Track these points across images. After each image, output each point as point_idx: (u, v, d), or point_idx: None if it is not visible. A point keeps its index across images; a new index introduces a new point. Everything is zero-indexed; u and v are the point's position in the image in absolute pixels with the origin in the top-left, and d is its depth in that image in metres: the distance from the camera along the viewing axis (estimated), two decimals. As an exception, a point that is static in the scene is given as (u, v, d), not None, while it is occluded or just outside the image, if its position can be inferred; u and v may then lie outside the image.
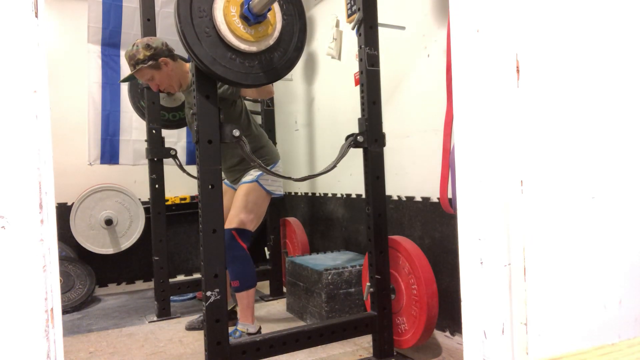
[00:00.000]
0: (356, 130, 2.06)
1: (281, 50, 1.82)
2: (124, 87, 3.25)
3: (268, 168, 2.38)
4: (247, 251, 2.40)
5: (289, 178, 2.07)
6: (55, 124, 1.09)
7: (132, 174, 3.69)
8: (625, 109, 1.20)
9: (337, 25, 3.07)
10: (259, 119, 3.45)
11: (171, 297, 3.02)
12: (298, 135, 3.80)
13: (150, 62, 2.30)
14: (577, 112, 1.14)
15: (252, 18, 1.68)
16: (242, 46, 1.70)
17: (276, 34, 1.78)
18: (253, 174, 2.43)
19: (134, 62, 2.31)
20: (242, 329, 2.42)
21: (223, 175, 2.52)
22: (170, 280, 3.02)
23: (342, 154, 2.02)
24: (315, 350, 2.25)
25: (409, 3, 2.47)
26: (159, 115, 2.88)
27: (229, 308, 2.73)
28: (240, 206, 2.39)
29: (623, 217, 1.19)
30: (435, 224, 2.35)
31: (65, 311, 3.12)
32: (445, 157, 1.82)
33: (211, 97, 1.74)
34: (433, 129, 2.34)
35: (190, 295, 3.37)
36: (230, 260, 2.34)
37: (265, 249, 3.40)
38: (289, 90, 3.87)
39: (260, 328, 2.46)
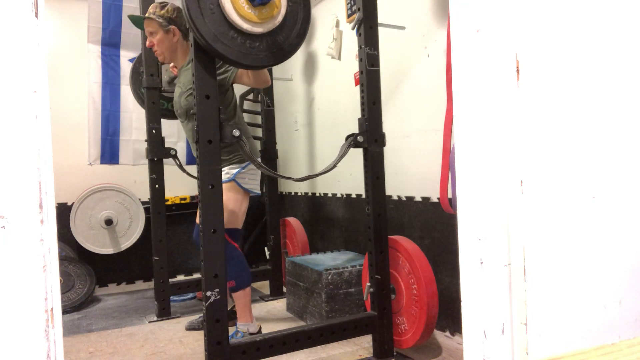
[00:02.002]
0: (356, 130, 2.06)
1: (283, 35, 1.82)
2: (124, 88, 3.25)
3: (242, 165, 2.37)
4: (240, 250, 2.40)
5: (289, 178, 2.07)
6: (55, 124, 1.09)
7: (132, 174, 3.69)
8: (625, 109, 1.20)
9: (337, 25, 3.06)
10: (258, 119, 3.45)
11: (171, 297, 3.02)
12: (298, 135, 3.80)
13: (162, 21, 2.34)
14: (577, 112, 1.14)
15: None
16: (245, 25, 1.70)
17: (279, 18, 1.78)
18: (229, 172, 2.38)
19: (153, 10, 2.37)
20: (242, 329, 2.41)
21: None
22: (170, 280, 3.01)
23: (342, 154, 2.01)
24: (315, 350, 2.25)
25: (409, 3, 2.47)
26: (159, 115, 2.88)
27: (229, 308, 2.73)
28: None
29: (623, 217, 1.19)
30: (435, 224, 2.35)
31: (65, 311, 3.12)
32: (445, 157, 1.82)
33: (211, 97, 1.74)
34: (433, 129, 2.34)
35: (190, 295, 3.36)
36: (225, 261, 2.32)
37: (265, 249, 3.40)
38: (289, 90, 3.87)
39: (260, 327, 2.46)
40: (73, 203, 3.54)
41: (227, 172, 2.38)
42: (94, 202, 3.56)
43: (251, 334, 2.38)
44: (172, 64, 2.60)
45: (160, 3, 2.39)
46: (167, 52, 2.41)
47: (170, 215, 3.74)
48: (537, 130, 1.08)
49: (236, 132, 1.79)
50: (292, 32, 1.83)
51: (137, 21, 2.47)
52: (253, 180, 2.45)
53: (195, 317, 2.77)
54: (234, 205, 2.38)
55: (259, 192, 2.51)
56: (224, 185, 2.36)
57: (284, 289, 3.15)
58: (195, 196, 3.98)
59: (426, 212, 2.40)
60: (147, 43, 2.42)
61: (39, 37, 0.86)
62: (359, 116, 2.08)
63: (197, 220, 2.61)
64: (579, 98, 1.14)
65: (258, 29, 1.73)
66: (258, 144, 3.43)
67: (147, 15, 2.37)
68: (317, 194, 3.58)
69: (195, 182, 2.16)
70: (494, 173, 1.06)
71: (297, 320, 2.77)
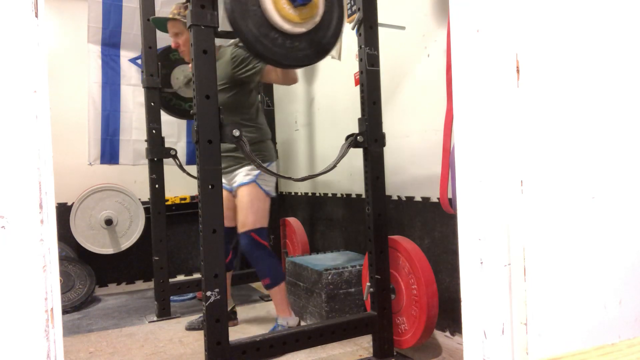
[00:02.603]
0: (356, 130, 2.06)
1: (320, 34, 1.84)
2: (124, 88, 3.25)
3: (265, 165, 2.39)
4: (269, 248, 2.46)
5: (289, 178, 2.07)
6: (55, 124, 1.09)
7: (132, 174, 3.69)
8: (625, 108, 1.20)
9: (337, 25, 3.06)
10: (259, 119, 3.45)
11: (171, 297, 3.02)
12: (298, 135, 3.80)
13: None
14: (577, 112, 1.14)
15: (300, 0, 1.72)
16: (286, 26, 1.73)
17: (318, 18, 1.81)
18: (251, 174, 2.42)
19: (177, 11, 2.37)
20: (282, 323, 2.45)
21: None
22: (170, 280, 3.01)
23: (342, 154, 2.02)
24: (315, 350, 2.25)
25: (409, 3, 2.47)
26: (159, 115, 2.88)
27: (229, 308, 2.74)
28: (247, 207, 2.41)
29: (623, 217, 1.19)
30: (435, 224, 2.35)
31: (65, 311, 3.12)
32: (445, 157, 1.82)
33: (211, 97, 1.74)
34: (433, 129, 2.34)
35: (190, 295, 3.36)
36: (256, 260, 2.40)
37: (265, 249, 3.39)
38: (289, 90, 3.87)
39: (299, 320, 2.51)
40: (73, 203, 3.54)
41: (247, 172, 2.42)
42: (94, 202, 3.56)
43: (290, 327, 2.41)
44: (190, 65, 2.62)
45: (184, 4, 2.39)
46: None
47: (170, 215, 3.74)
48: (537, 130, 1.08)
49: (236, 132, 1.79)
50: (329, 31, 1.86)
51: (160, 23, 2.48)
52: (271, 181, 2.49)
53: (195, 317, 2.77)
54: (258, 204, 2.42)
55: (274, 194, 2.57)
56: (246, 187, 2.41)
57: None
58: (196, 196, 3.98)
59: (426, 212, 2.40)
60: (173, 44, 2.44)
61: (39, 37, 0.86)
62: (359, 116, 2.08)
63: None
64: (579, 98, 1.14)
65: (299, 29, 1.76)
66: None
67: (171, 16, 2.38)
68: (317, 194, 3.58)
69: (195, 182, 2.16)
70: (494, 173, 1.06)
71: (297, 320, 2.77)
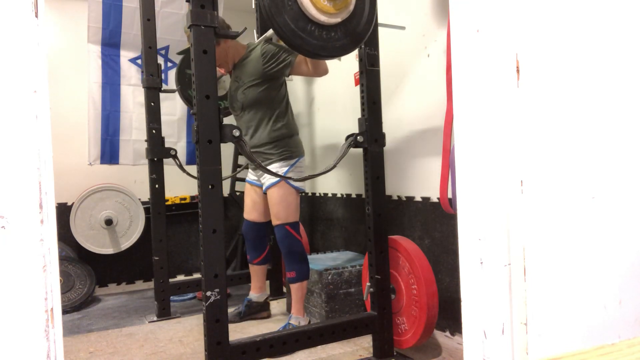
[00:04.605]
0: (356, 130, 2.07)
1: (354, 23, 1.84)
2: (124, 88, 3.25)
3: (292, 163, 2.45)
4: (302, 243, 2.49)
5: (289, 178, 2.07)
6: (55, 124, 1.09)
7: (132, 174, 3.69)
8: (625, 109, 1.20)
9: (337, 25, 3.06)
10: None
11: (171, 297, 3.02)
12: (298, 135, 3.80)
13: None
14: (577, 112, 1.14)
15: None
16: (322, 18, 1.74)
17: (351, 7, 1.82)
18: (279, 171, 2.43)
19: None
20: (294, 322, 2.46)
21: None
22: (170, 280, 3.02)
23: (342, 154, 2.02)
24: (315, 350, 2.25)
25: (409, 3, 2.47)
26: (159, 115, 2.88)
27: (262, 300, 2.79)
28: (278, 203, 2.44)
29: (623, 217, 1.19)
30: (435, 224, 2.35)
31: (65, 311, 3.12)
32: (445, 157, 1.82)
33: (211, 97, 1.74)
34: (433, 129, 2.34)
35: (190, 295, 3.36)
36: (288, 252, 2.44)
37: (265, 249, 3.39)
38: (289, 90, 3.86)
39: (310, 321, 2.51)
40: (73, 203, 3.54)
41: (276, 170, 2.42)
42: (94, 202, 3.55)
43: None
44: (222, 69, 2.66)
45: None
46: (228, 59, 2.47)
47: (170, 215, 3.74)
48: (537, 130, 1.08)
49: (236, 132, 1.79)
50: (362, 19, 1.86)
51: (187, 51, 2.54)
52: (299, 175, 2.49)
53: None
54: (288, 199, 2.45)
55: (304, 188, 2.58)
56: (276, 187, 2.43)
57: (284, 289, 3.15)
58: (196, 196, 3.98)
59: (426, 212, 2.40)
60: None
61: (39, 37, 0.86)
62: (359, 116, 2.08)
63: (245, 215, 2.73)
64: (579, 98, 1.14)
65: (334, 20, 1.77)
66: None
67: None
68: (317, 194, 3.58)
69: (195, 182, 2.16)
70: (494, 173, 1.06)
71: (297, 320, 2.76)
